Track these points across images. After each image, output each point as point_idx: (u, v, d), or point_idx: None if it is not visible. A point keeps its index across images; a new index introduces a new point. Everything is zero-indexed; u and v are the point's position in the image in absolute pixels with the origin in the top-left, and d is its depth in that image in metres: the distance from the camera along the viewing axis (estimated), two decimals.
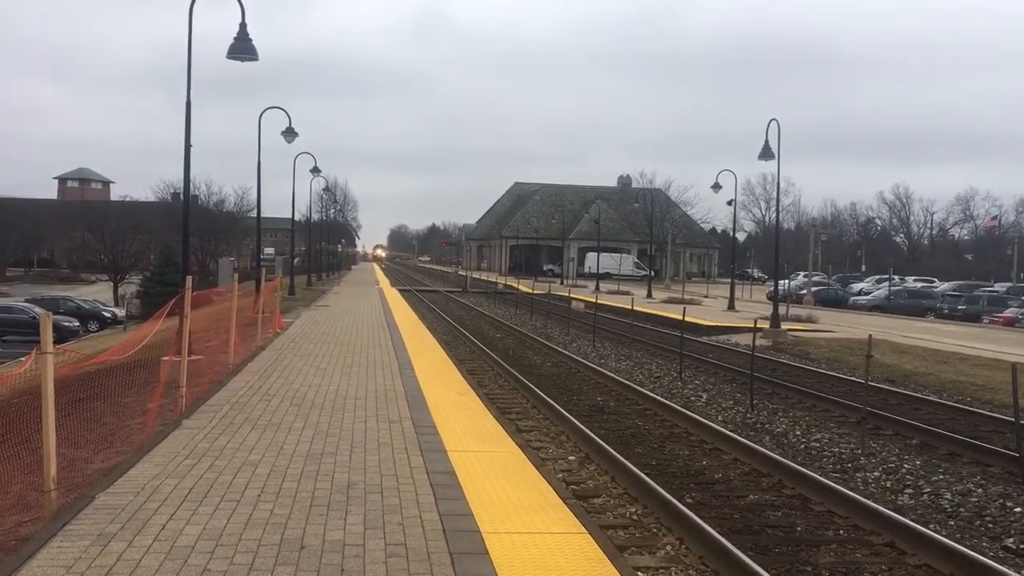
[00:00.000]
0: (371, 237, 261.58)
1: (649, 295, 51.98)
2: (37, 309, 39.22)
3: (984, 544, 8.21)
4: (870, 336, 13.78)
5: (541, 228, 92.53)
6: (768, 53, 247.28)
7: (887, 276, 57.03)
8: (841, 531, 8.34)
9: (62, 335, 36.01)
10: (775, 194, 40.24)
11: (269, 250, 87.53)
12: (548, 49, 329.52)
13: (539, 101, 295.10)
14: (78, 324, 42.57)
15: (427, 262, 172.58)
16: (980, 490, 9.98)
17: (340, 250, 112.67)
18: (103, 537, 5.75)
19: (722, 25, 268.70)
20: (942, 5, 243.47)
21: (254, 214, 44.18)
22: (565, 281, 74.15)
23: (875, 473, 10.82)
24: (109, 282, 68.96)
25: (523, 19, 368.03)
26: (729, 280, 49.08)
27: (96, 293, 63.52)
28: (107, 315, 47.72)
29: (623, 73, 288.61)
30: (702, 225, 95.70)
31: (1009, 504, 9.39)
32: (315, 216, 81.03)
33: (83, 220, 76.33)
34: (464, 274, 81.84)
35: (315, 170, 48.57)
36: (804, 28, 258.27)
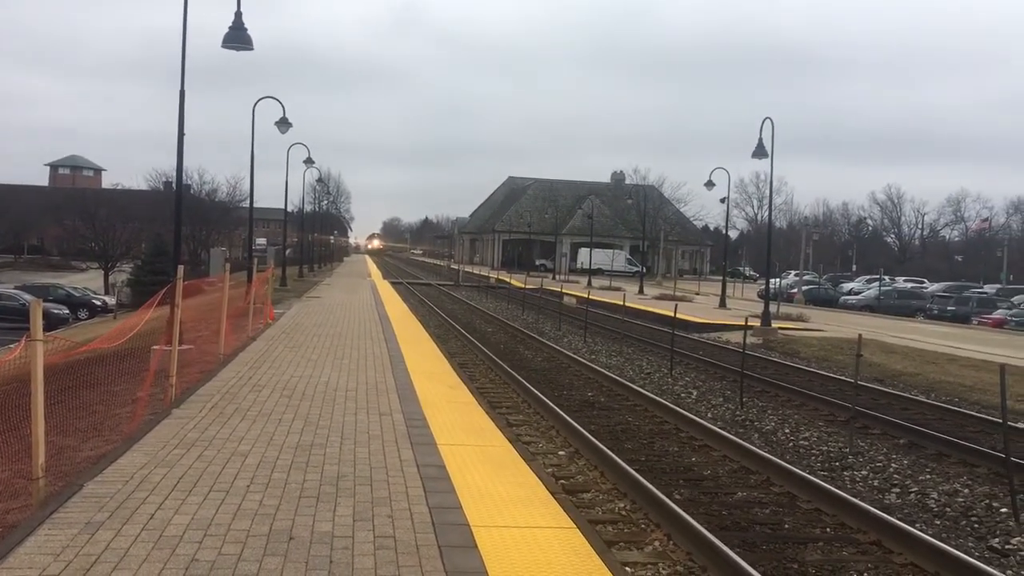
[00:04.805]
0: (364, 229, 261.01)
1: (641, 291, 52.03)
2: (27, 296, 39.05)
3: (970, 544, 8.26)
4: (860, 336, 13.83)
5: (534, 223, 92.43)
6: (762, 51, 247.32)
7: (877, 276, 57.23)
8: (828, 529, 8.38)
9: (51, 323, 35.84)
10: (768, 192, 40.36)
11: (261, 240, 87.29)
12: (532, 44, 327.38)
13: (528, 96, 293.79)
14: (68, 312, 42.38)
15: (420, 255, 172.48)
16: (967, 490, 10.03)
17: (332, 241, 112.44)
18: (91, 525, 5.73)
19: (712, 23, 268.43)
20: (932, 6, 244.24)
21: (246, 204, 44.11)
22: (557, 276, 74.17)
23: (863, 472, 10.87)
24: (100, 270, 68.68)
25: (503, 15, 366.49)
26: (721, 277, 49.17)
27: (86, 281, 63.28)
28: (97, 303, 47.53)
29: (613, 70, 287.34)
30: (695, 222, 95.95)
31: (995, 504, 9.45)
32: (308, 207, 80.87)
33: (74, 207, 75.90)
34: (457, 268, 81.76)
35: (308, 161, 48.49)
36: (796, 27, 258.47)
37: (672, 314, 22.66)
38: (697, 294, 52.90)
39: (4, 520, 6.90)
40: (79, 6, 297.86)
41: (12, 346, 8.92)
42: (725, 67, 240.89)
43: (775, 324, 28.80)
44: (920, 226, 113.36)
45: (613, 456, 10.03)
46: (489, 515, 6.38)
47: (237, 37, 17.37)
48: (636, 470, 9.50)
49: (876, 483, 10.41)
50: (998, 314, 41.83)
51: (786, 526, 8.45)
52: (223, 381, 11.96)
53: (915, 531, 7.84)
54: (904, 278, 72.60)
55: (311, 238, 79.77)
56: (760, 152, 30.13)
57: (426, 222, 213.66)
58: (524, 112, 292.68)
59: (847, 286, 61.28)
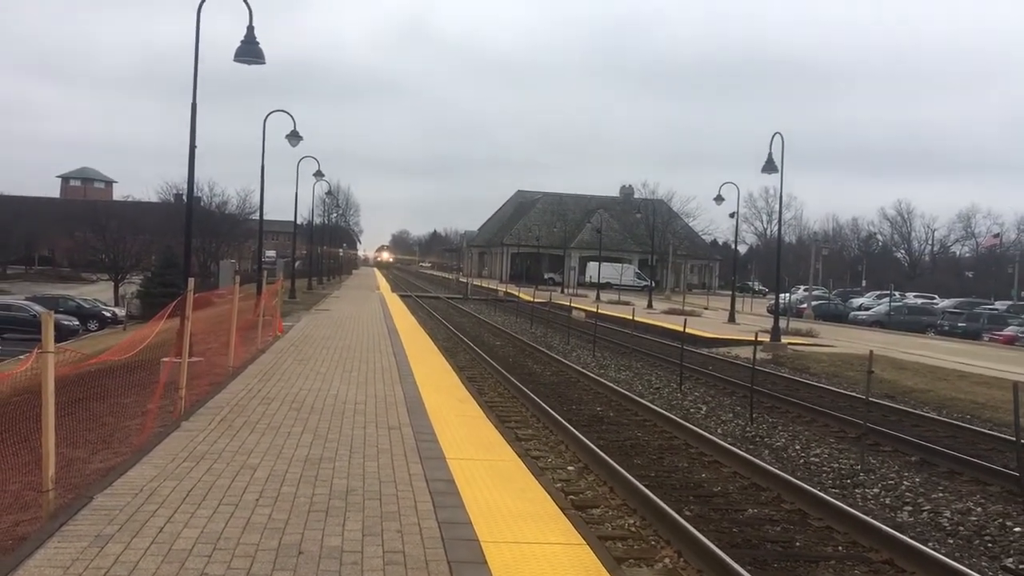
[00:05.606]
0: (373, 242, 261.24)
1: (650, 306, 51.94)
2: (37, 307, 39.25)
3: (983, 564, 8.18)
4: (871, 352, 13.77)
5: (543, 236, 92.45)
6: (774, 66, 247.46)
7: (887, 292, 57.08)
8: (840, 547, 8.31)
9: (62, 334, 35.90)
10: (777, 207, 40.30)
11: (270, 253, 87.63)
12: (537, 58, 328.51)
13: (535, 110, 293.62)
14: (78, 323, 42.57)
15: (428, 268, 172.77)
16: (979, 509, 9.95)
17: (342, 254, 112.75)
18: (100, 538, 5.73)
19: (718, 36, 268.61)
20: (941, 23, 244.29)
21: (256, 216, 44.20)
22: (566, 290, 74.11)
23: (874, 489, 10.79)
24: (110, 282, 68.94)
25: (507, 29, 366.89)
26: (730, 292, 49.08)
27: (97, 292, 63.53)
28: (107, 315, 47.72)
29: (618, 83, 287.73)
30: (703, 237, 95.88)
31: (1008, 524, 9.37)
32: (317, 220, 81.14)
33: (85, 219, 76.31)
34: (465, 281, 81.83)
35: (318, 174, 48.58)
36: (800, 41, 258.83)
37: (681, 329, 22.60)
38: (706, 309, 52.78)
39: (14, 532, 6.90)
40: (88, 16, 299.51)
41: (23, 357, 8.95)
42: (731, 81, 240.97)
43: (785, 339, 28.70)
44: (930, 242, 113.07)
45: (623, 471, 9.98)
46: (499, 530, 6.35)
47: (249, 51, 17.43)
48: (646, 486, 9.45)
49: (888, 501, 10.33)
50: (1009, 331, 41.56)
51: (797, 544, 8.39)
52: (232, 394, 11.97)
53: (928, 550, 7.78)
54: (914, 294, 72.29)
55: (320, 251, 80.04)
56: (770, 167, 30.08)
57: (435, 235, 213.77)
58: (532, 126, 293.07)
59: (857, 301, 61.12)
